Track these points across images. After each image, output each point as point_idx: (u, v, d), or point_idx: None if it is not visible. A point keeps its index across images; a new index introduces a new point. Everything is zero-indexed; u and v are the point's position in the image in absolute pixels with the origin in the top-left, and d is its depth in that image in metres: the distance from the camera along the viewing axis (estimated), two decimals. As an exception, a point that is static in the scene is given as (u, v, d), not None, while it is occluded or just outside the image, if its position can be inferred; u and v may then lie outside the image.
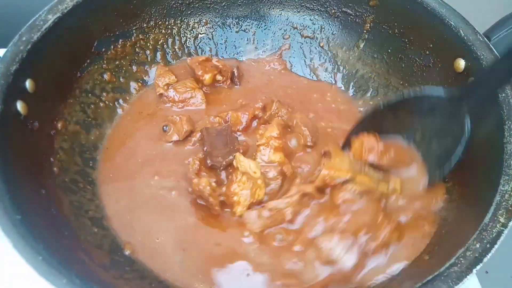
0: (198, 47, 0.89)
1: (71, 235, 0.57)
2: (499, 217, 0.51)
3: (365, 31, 0.86)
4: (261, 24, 0.91)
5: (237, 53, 0.91)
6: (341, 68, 0.89)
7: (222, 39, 0.90)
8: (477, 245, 0.49)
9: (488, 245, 0.49)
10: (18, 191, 0.51)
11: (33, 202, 0.55)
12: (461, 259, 0.49)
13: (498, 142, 0.57)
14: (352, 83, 0.88)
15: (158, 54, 0.86)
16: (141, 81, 0.84)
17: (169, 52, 0.87)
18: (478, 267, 0.48)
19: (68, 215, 0.60)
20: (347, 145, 0.72)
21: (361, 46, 0.87)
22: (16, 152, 0.56)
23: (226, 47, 0.91)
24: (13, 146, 0.56)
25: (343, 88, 0.88)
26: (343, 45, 0.89)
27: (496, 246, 0.49)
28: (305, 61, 0.91)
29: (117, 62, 0.81)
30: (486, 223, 0.51)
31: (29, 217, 0.49)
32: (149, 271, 0.61)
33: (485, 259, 0.48)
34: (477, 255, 0.49)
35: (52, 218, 0.56)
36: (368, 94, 0.86)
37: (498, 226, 0.51)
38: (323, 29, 0.89)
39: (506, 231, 0.50)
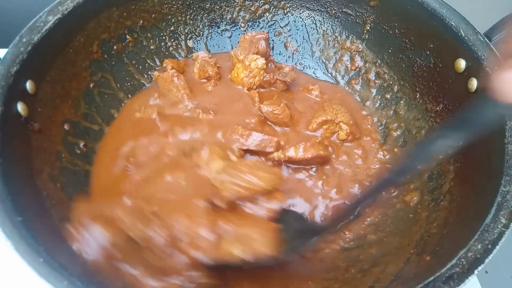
0: (194, 47, 0.90)
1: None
2: (501, 218, 0.51)
3: (365, 32, 0.86)
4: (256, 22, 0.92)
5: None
6: (342, 68, 0.89)
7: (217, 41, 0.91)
8: (479, 246, 0.49)
9: (489, 246, 0.49)
10: (19, 193, 0.51)
11: (34, 203, 0.55)
12: (462, 260, 0.49)
13: (499, 143, 0.57)
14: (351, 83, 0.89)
15: (161, 54, 0.86)
16: (143, 82, 0.84)
17: (173, 52, 0.87)
18: (479, 268, 0.48)
19: (68, 217, 0.59)
20: None
21: (362, 46, 0.87)
22: (16, 153, 0.56)
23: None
24: (14, 147, 0.56)
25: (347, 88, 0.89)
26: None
27: (497, 247, 0.49)
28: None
29: (118, 63, 0.81)
30: (488, 223, 0.51)
31: (30, 219, 0.49)
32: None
33: (486, 260, 0.48)
34: (478, 256, 0.48)
35: (53, 219, 0.56)
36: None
37: (499, 227, 0.50)
38: (322, 30, 0.89)
39: (507, 232, 0.50)
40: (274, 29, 0.92)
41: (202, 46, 0.90)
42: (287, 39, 0.92)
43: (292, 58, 0.93)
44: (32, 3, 0.70)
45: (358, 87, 0.88)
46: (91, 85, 0.76)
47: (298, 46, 0.92)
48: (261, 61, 0.80)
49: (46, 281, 0.44)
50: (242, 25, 0.91)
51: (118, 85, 0.81)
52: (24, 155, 0.58)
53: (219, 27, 0.90)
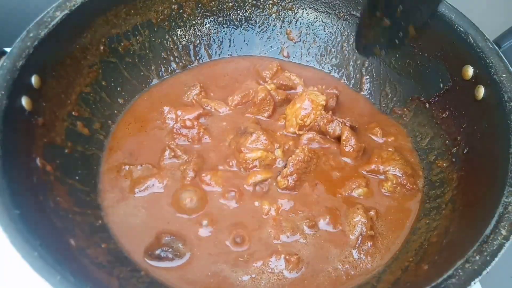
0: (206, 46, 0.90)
1: (69, 231, 0.57)
2: (501, 229, 0.50)
3: (373, 35, 0.85)
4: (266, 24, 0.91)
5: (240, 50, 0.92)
6: (351, 69, 0.89)
7: (228, 39, 0.91)
8: (477, 257, 0.48)
9: (488, 258, 0.48)
10: (19, 186, 0.52)
11: (33, 197, 0.55)
12: (459, 271, 0.48)
13: (503, 152, 0.56)
14: (361, 85, 0.88)
15: (166, 54, 0.87)
16: (149, 80, 0.85)
17: (178, 52, 0.88)
18: (476, 279, 0.47)
19: (67, 212, 0.60)
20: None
21: (370, 50, 0.86)
22: (18, 147, 0.57)
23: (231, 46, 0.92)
24: (16, 141, 0.57)
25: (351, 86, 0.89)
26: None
27: (496, 259, 0.48)
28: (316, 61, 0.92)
29: (124, 60, 0.81)
30: (487, 235, 0.50)
31: (28, 212, 0.50)
32: (146, 271, 0.61)
33: (484, 272, 0.47)
34: (476, 267, 0.47)
35: (51, 214, 0.56)
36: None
37: (499, 238, 0.49)
38: (330, 32, 0.89)
39: (507, 244, 0.49)
40: (283, 28, 0.91)
41: (215, 46, 0.90)
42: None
43: (300, 59, 0.92)
44: (39, 3, 0.71)
45: (365, 93, 0.88)
46: (97, 81, 0.76)
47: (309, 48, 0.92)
48: (322, 97, 0.77)
49: (39, 275, 0.44)
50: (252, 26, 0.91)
51: (124, 82, 0.81)
52: (26, 149, 0.59)
53: (227, 27, 0.90)
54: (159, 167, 0.72)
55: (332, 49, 0.90)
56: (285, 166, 0.70)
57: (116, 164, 0.72)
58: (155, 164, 0.73)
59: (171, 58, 0.87)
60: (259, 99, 0.79)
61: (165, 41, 0.86)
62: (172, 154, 0.73)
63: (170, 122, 0.78)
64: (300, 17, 0.90)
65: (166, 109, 0.79)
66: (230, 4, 0.88)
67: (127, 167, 0.71)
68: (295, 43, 0.92)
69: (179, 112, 0.78)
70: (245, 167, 0.72)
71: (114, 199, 0.68)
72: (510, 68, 0.62)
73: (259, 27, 0.91)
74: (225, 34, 0.90)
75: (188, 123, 0.76)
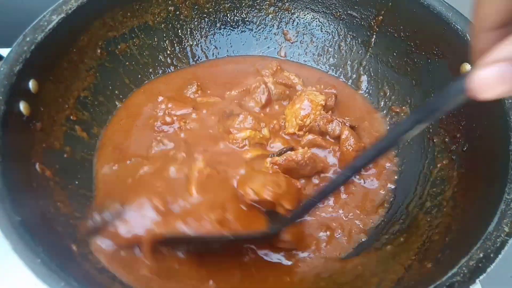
0: (204, 49, 0.90)
1: (70, 237, 0.57)
2: (504, 226, 0.50)
3: (370, 34, 0.85)
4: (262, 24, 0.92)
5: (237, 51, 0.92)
6: (348, 68, 0.89)
7: (224, 40, 0.91)
8: (481, 255, 0.48)
9: (492, 255, 0.48)
10: (19, 193, 0.51)
11: (34, 203, 0.55)
12: (463, 268, 0.48)
13: (503, 150, 0.56)
14: (359, 84, 0.88)
15: (164, 56, 0.86)
16: (147, 82, 0.84)
17: (175, 54, 0.87)
18: (481, 277, 0.47)
19: (67, 217, 0.59)
20: None
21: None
22: (17, 152, 0.56)
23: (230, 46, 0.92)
24: (15, 147, 0.56)
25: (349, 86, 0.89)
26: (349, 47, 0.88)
27: (500, 256, 0.48)
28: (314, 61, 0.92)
29: (122, 63, 0.81)
30: (490, 232, 0.50)
31: (30, 219, 0.49)
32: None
33: (488, 269, 0.47)
34: (480, 264, 0.48)
35: (51, 219, 0.56)
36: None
37: (502, 235, 0.49)
38: (327, 32, 0.89)
39: (510, 241, 0.49)
40: (280, 29, 0.91)
41: (212, 47, 0.90)
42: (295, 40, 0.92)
43: (298, 59, 0.92)
44: (36, 3, 0.70)
45: (363, 92, 0.88)
46: (94, 85, 0.76)
47: (305, 48, 0.92)
48: (321, 97, 0.77)
49: (43, 282, 0.44)
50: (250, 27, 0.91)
51: (122, 85, 0.81)
52: (25, 154, 0.58)
53: (224, 29, 0.90)
54: (147, 158, 0.72)
55: (330, 49, 0.90)
56: (279, 154, 0.70)
57: (107, 162, 0.72)
58: (144, 156, 0.72)
59: (169, 60, 0.87)
60: (253, 87, 0.80)
61: (162, 43, 0.85)
62: (160, 144, 0.73)
63: (160, 112, 0.78)
64: (297, 17, 0.90)
65: (160, 98, 0.80)
66: (227, 5, 0.88)
67: (116, 166, 0.71)
68: (292, 43, 0.92)
69: (169, 105, 0.79)
70: (236, 147, 0.73)
71: (110, 197, 0.67)
72: (508, 65, 0.62)
73: (256, 28, 0.91)
74: (222, 35, 0.90)
75: (175, 117, 0.77)
